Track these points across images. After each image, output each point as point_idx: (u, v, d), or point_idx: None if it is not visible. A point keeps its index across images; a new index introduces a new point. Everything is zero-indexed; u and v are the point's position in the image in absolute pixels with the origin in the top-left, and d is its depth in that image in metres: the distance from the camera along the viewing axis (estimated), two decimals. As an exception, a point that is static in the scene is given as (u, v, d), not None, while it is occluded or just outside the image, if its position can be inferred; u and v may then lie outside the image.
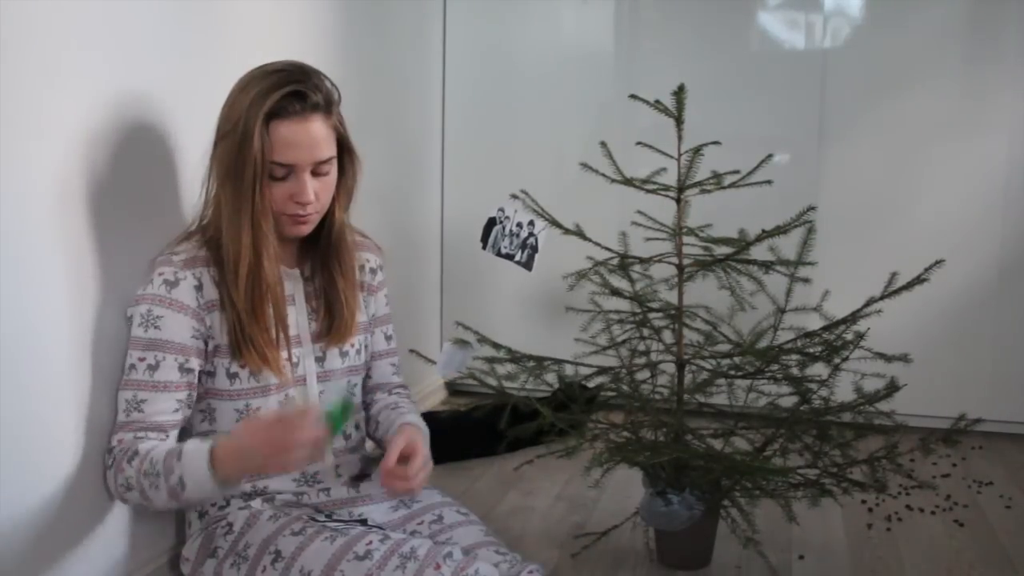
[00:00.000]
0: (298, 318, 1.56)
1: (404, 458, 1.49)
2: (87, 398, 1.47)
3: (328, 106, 1.47)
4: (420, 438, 1.55)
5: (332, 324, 1.58)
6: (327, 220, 1.55)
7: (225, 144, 1.44)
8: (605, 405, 2.01)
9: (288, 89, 1.42)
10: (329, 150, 1.47)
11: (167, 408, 1.46)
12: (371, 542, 1.38)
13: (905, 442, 1.82)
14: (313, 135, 1.44)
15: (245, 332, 1.48)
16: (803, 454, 1.86)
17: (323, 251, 1.57)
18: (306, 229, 1.52)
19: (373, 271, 1.69)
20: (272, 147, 1.42)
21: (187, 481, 1.36)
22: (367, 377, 1.72)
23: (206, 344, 1.49)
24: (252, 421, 1.38)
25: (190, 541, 1.55)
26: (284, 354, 1.54)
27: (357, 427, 1.66)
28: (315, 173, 1.47)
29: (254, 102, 1.41)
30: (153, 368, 1.45)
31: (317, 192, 1.47)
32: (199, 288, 1.47)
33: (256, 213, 1.44)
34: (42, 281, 1.38)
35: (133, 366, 1.46)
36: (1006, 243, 2.77)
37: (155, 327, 1.45)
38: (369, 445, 1.72)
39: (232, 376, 1.51)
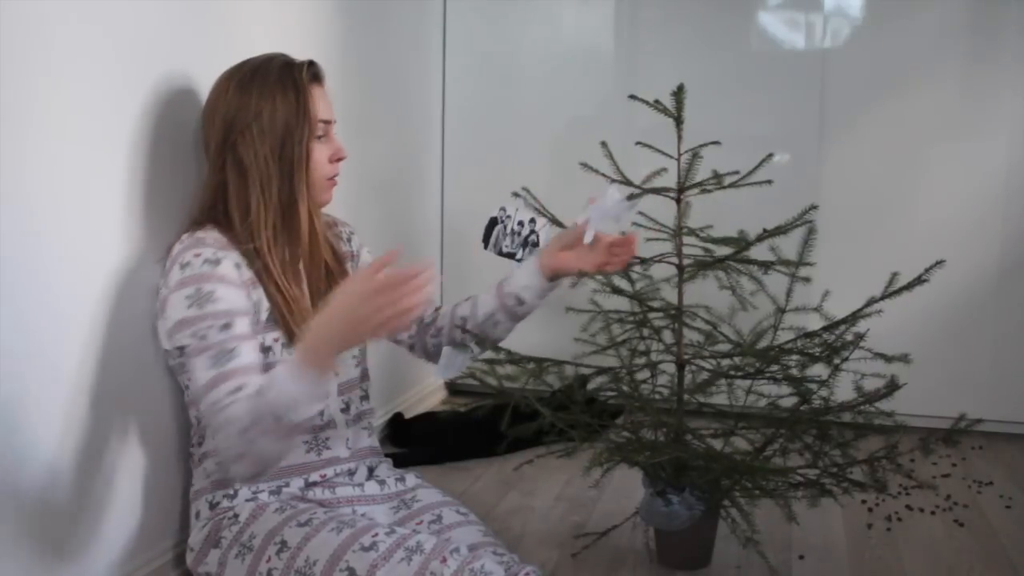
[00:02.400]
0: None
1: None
2: (88, 396, 1.47)
3: None
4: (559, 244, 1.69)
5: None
6: None
7: (254, 133, 1.53)
8: (607, 408, 2.00)
9: (307, 60, 1.59)
10: None
11: (253, 352, 1.45)
12: (377, 534, 1.38)
13: (905, 442, 1.82)
14: (328, 95, 1.62)
15: (300, 306, 1.53)
16: (803, 454, 1.86)
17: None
18: (331, 195, 1.64)
19: (349, 239, 1.76)
20: (318, 107, 1.57)
21: (286, 398, 1.30)
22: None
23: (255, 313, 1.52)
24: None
25: (195, 531, 1.55)
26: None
27: (366, 397, 1.69)
28: None
29: (280, 81, 1.54)
30: (228, 326, 1.43)
31: None
32: (238, 267, 1.50)
33: (311, 184, 1.57)
34: (46, 280, 1.38)
35: (204, 336, 1.42)
36: (1006, 243, 2.77)
37: (211, 302, 1.44)
38: (372, 439, 1.72)
39: (266, 350, 1.52)
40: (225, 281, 1.46)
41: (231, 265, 1.49)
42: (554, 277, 1.70)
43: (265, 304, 1.52)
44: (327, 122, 1.59)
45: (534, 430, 1.90)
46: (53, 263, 1.40)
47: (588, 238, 1.67)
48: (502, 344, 1.86)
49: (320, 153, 1.58)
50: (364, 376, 1.71)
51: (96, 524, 1.51)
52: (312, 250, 1.59)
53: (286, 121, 1.53)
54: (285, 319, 1.52)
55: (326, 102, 1.60)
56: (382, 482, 1.64)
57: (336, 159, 1.61)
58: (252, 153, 1.53)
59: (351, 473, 1.62)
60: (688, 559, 1.92)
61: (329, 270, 1.64)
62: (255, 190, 1.54)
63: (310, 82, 1.57)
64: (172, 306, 1.45)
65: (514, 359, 1.87)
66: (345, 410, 1.63)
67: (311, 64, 1.59)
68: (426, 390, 2.99)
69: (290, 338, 1.51)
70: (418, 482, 1.68)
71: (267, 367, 1.49)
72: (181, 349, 1.45)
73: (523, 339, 2.12)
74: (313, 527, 1.42)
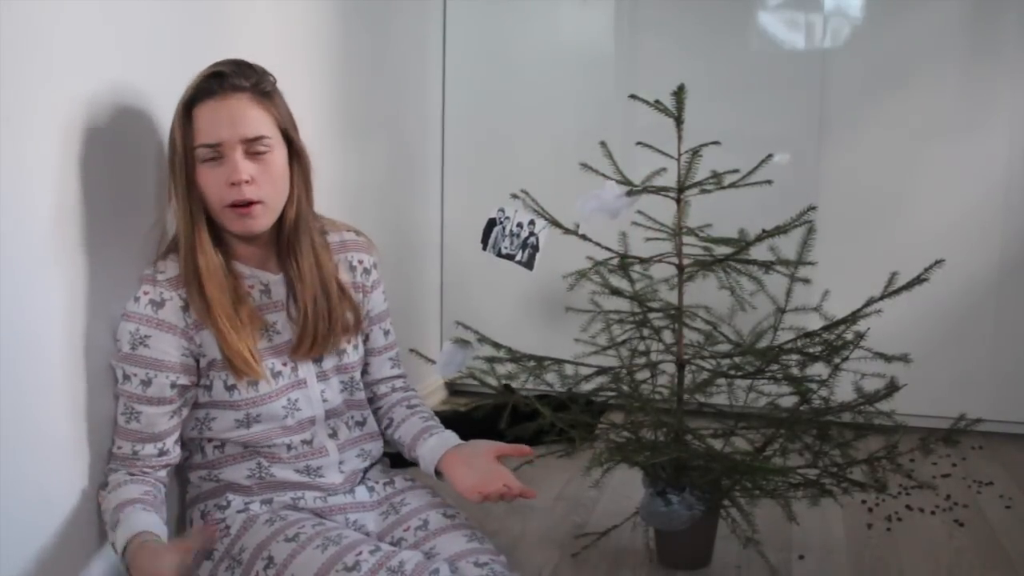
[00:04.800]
0: (285, 324, 1.55)
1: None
2: (86, 398, 1.47)
3: (257, 88, 1.45)
4: (483, 466, 1.55)
5: (302, 332, 1.53)
6: (282, 219, 1.51)
7: (168, 150, 1.47)
8: (606, 407, 2.01)
9: (206, 74, 1.43)
10: (259, 129, 1.43)
11: (162, 419, 1.47)
12: (361, 552, 1.37)
13: (905, 442, 1.82)
14: (235, 111, 1.42)
15: (226, 340, 1.46)
16: (803, 454, 1.86)
17: (284, 253, 1.54)
18: (254, 223, 1.46)
19: (367, 271, 1.67)
20: (196, 131, 1.42)
21: (112, 540, 1.39)
22: (365, 372, 1.72)
23: (197, 361, 1.49)
24: (158, 554, 1.30)
25: None
26: (281, 360, 1.54)
27: (362, 423, 1.66)
28: (250, 154, 1.43)
29: (183, 98, 1.44)
30: (146, 384, 1.45)
31: (253, 175, 1.43)
32: (185, 308, 1.46)
33: (190, 201, 1.44)
34: (44, 280, 1.38)
35: (127, 377, 1.46)
36: (1006, 243, 2.77)
37: (144, 346, 1.45)
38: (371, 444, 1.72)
39: (231, 388, 1.50)
40: (163, 327, 1.45)
41: (175, 308, 1.46)
42: (440, 476, 1.61)
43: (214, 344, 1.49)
44: (212, 145, 1.41)
45: (534, 430, 1.90)
46: (43, 256, 1.40)
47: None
48: (502, 343, 1.86)
49: (210, 178, 1.42)
50: (356, 405, 1.65)
51: (93, 527, 1.51)
52: (209, 292, 1.44)
53: (171, 144, 1.45)
54: (228, 359, 1.48)
55: (222, 118, 1.41)
56: (371, 488, 1.63)
57: (231, 183, 1.41)
58: (168, 171, 1.48)
59: (340, 470, 1.61)
60: (688, 559, 1.92)
61: (326, 293, 1.54)
62: (175, 216, 1.48)
63: (196, 103, 1.41)
64: (119, 332, 1.47)
65: (515, 357, 1.88)
66: (333, 436, 1.60)
67: (213, 76, 1.42)
68: (426, 390, 2.99)
69: (238, 376, 1.49)
70: (407, 484, 1.65)
71: (233, 404, 1.51)
72: (115, 375, 1.49)
73: (523, 339, 2.12)
74: (300, 543, 1.41)
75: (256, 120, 1.43)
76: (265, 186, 1.45)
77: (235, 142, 1.42)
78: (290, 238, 1.52)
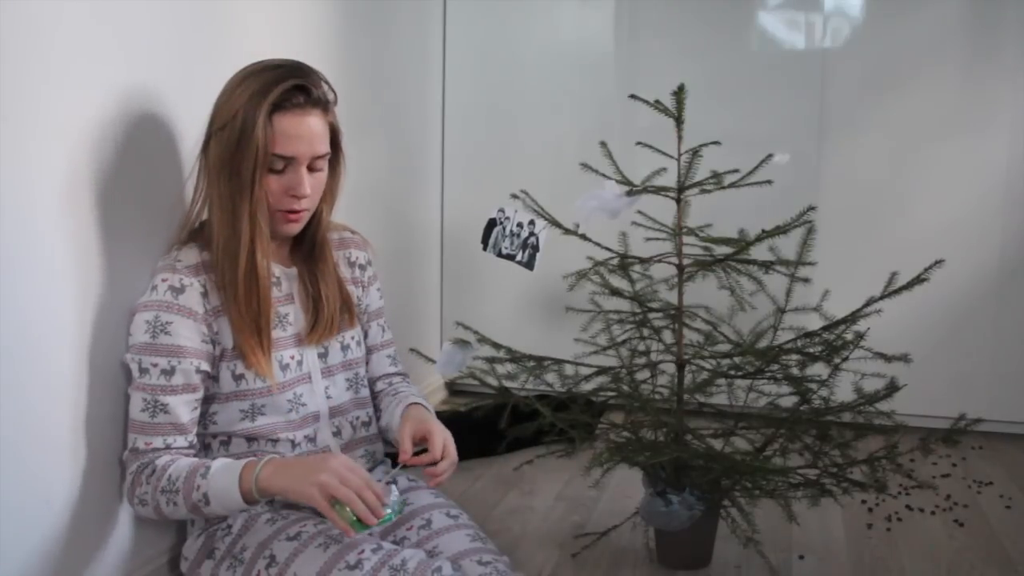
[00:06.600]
0: (297, 316, 1.58)
1: (420, 441, 1.52)
2: (87, 398, 1.47)
3: (326, 104, 1.50)
4: (428, 416, 1.57)
5: (316, 320, 1.58)
6: (315, 219, 1.58)
7: (221, 138, 1.45)
8: (606, 407, 2.01)
9: (292, 83, 1.44)
10: (326, 146, 1.50)
11: (187, 409, 1.48)
12: (363, 551, 1.37)
13: (905, 442, 1.82)
14: (313, 129, 1.47)
15: (245, 333, 1.48)
16: (803, 454, 1.86)
17: (309, 249, 1.59)
18: (296, 227, 1.54)
19: (362, 267, 1.71)
20: (274, 139, 1.44)
21: (211, 496, 1.40)
22: (366, 369, 1.73)
23: (214, 347, 1.50)
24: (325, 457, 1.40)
25: (190, 540, 1.55)
26: (289, 353, 1.55)
27: (367, 423, 1.67)
28: (310, 168, 1.49)
29: (255, 95, 1.43)
30: (168, 373, 1.45)
31: (312, 187, 1.50)
32: (205, 295, 1.48)
33: (253, 206, 1.45)
34: (46, 280, 1.38)
35: (146, 370, 1.45)
36: (1006, 243, 2.77)
37: (165, 333, 1.45)
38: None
39: (238, 378, 1.51)
40: (184, 312, 1.46)
41: (195, 294, 1.47)
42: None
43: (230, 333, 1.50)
44: (286, 157, 1.45)
45: (534, 430, 1.90)
46: (51, 255, 1.40)
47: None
48: (502, 343, 1.85)
49: (271, 183, 1.47)
50: (362, 403, 1.67)
51: (90, 526, 1.51)
52: (248, 284, 1.47)
53: (239, 140, 1.42)
54: (241, 349, 1.49)
55: (302, 133, 1.45)
56: None
57: (292, 194, 1.48)
58: (216, 159, 1.46)
59: None
60: (688, 559, 1.92)
61: (318, 289, 1.58)
62: (212, 202, 1.48)
63: (280, 110, 1.43)
64: (134, 325, 1.47)
65: (515, 357, 1.88)
66: (337, 434, 1.61)
67: (296, 88, 1.44)
68: (426, 390, 2.99)
69: (248, 366, 1.50)
70: (410, 484, 1.66)
71: (239, 394, 1.51)
72: (129, 371, 1.48)
73: (523, 339, 2.12)
74: (301, 542, 1.41)
75: (324, 137, 1.50)
76: (314, 196, 1.52)
77: (306, 158, 1.47)
78: (322, 236, 1.59)
